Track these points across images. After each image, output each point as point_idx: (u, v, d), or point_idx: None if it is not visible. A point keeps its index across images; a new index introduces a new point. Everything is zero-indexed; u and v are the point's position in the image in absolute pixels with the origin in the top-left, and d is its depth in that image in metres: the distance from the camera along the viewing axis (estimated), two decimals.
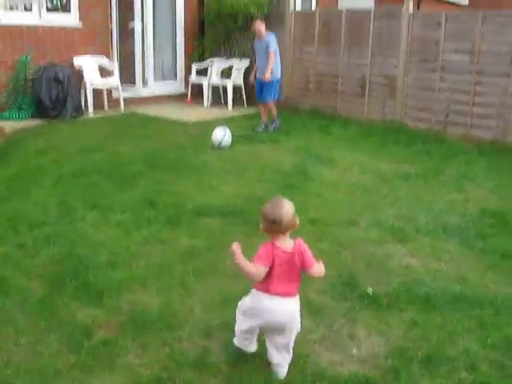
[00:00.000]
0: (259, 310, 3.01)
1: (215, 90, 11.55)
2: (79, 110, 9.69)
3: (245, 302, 3.14)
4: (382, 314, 3.71)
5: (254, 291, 3.06)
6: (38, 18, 9.63)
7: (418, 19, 9.43)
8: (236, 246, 3.03)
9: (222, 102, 11.46)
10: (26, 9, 9.21)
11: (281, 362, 3.09)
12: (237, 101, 11.26)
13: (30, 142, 8.21)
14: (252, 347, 3.23)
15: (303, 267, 2.98)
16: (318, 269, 3.03)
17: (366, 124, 9.68)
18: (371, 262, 4.42)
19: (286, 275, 2.95)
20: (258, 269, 2.90)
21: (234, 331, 3.24)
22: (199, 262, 4.35)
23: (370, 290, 3.95)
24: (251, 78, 9.26)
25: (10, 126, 8.78)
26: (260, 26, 8.76)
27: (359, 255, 4.55)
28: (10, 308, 3.73)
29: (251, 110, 10.62)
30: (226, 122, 9.36)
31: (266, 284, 2.96)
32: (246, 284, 4.01)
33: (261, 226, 3.02)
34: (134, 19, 11.08)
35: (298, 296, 3.06)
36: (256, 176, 6.48)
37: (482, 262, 4.55)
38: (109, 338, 3.39)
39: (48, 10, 9.66)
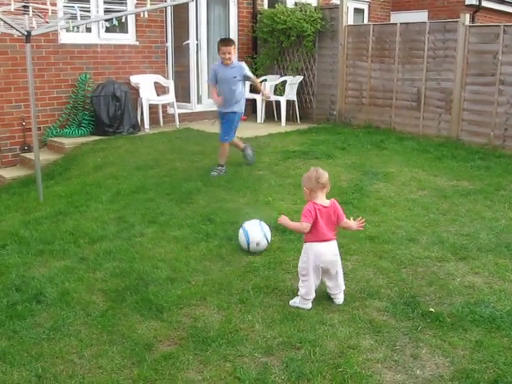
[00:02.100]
0: (314, 256, 3.90)
1: (268, 105, 11.59)
2: (136, 127, 9.87)
3: (302, 260, 3.99)
4: (445, 333, 3.62)
5: (306, 246, 3.98)
6: (97, 37, 9.91)
7: (475, 32, 9.28)
8: (283, 216, 4.04)
9: (275, 117, 11.50)
10: (86, 29, 9.48)
11: (336, 291, 4.01)
12: (290, 116, 11.29)
13: (88, 158, 8.42)
14: (310, 305, 3.96)
15: (337, 219, 3.97)
16: (349, 222, 4.08)
17: (422, 139, 9.53)
18: (433, 281, 4.32)
19: (326, 225, 3.91)
20: (302, 224, 3.87)
21: (295, 296, 4.01)
22: (258, 278, 4.35)
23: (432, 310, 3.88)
24: (217, 101, 7.29)
25: (69, 142, 9.03)
26: (232, 49, 7.06)
27: (420, 273, 4.46)
28: (73, 320, 3.82)
29: (305, 125, 10.64)
30: (281, 137, 9.40)
31: (314, 235, 3.91)
32: None
33: (306, 191, 3.94)
34: (188, 37, 11.27)
35: (336, 239, 4.04)
36: None
37: None
38: (170, 353, 3.42)
39: (106, 29, 9.91)
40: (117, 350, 3.47)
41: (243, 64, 7.42)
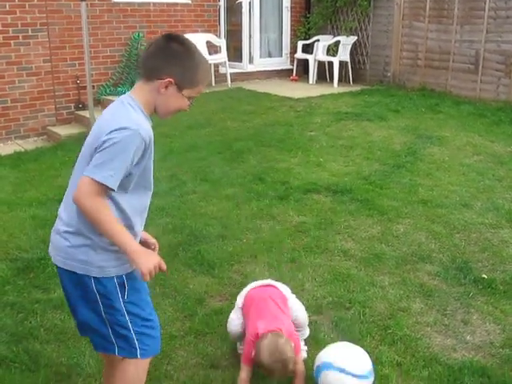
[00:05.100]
0: None
1: (321, 66, 11.42)
2: None
3: None
4: (497, 300, 3.58)
5: None
6: None
7: None
8: None
9: (328, 78, 11.33)
10: None
11: None
12: (342, 77, 11.10)
13: None
14: None
15: None
16: None
17: (478, 103, 9.24)
18: (486, 247, 4.25)
19: None
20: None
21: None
22: (309, 238, 4.37)
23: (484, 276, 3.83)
24: None
25: None
26: None
27: (473, 239, 4.39)
28: None
29: (357, 87, 10.44)
30: (333, 98, 9.29)
31: None
32: (357, 262, 4.04)
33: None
34: None
35: None
36: (364, 154, 6.37)
37: None
38: (221, 308, 3.50)
39: None
40: (169, 303, 3.57)
41: None
